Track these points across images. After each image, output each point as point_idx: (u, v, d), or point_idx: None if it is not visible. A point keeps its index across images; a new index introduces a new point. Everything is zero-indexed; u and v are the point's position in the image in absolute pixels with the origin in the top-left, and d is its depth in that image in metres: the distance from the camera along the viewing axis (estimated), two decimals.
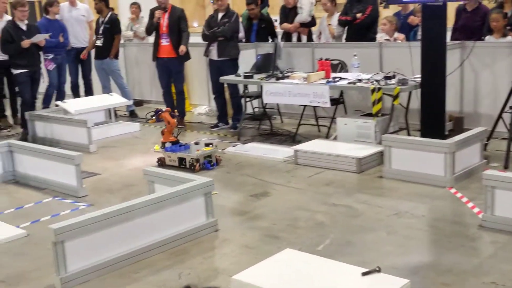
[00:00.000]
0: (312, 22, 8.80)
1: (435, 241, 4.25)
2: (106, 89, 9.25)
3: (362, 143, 6.35)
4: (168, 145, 6.47)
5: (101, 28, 9.04)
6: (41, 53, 8.32)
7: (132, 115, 9.37)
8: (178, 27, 8.36)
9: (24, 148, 6.15)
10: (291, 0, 8.62)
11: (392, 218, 4.65)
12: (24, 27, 7.90)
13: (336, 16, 8.41)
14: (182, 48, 8.26)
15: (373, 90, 6.14)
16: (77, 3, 9.58)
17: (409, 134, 6.47)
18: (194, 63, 9.50)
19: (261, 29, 8.80)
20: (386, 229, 4.43)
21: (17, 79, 8.02)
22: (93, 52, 9.45)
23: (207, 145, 7.15)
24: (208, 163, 6.29)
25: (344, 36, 8.44)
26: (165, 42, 8.36)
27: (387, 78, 6.27)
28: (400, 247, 4.11)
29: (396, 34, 7.80)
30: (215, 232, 4.52)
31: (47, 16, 8.91)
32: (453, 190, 5.19)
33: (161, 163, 6.44)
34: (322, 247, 4.18)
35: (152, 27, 8.47)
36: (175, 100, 8.64)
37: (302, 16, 8.57)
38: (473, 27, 7.41)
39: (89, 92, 9.54)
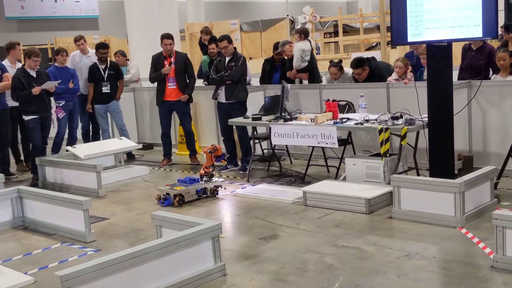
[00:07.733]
0: (310, 67, 8.87)
1: (446, 284, 4.17)
2: (107, 133, 9.52)
3: (371, 184, 6.32)
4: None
5: (106, 75, 9.23)
6: (52, 99, 8.44)
7: (129, 157, 9.54)
8: (184, 71, 8.62)
9: (33, 194, 6.18)
10: (287, 52, 8.90)
11: (402, 260, 4.58)
12: (34, 74, 8.02)
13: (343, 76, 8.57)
14: (184, 99, 8.58)
15: (380, 131, 6.15)
16: (89, 51, 9.76)
17: (418, 174, 6.43)
18: (203, 106, 9.62)
19: (285, 71, 9.04)
20: (396, 272, 4.36)
21: (27, 125, 8.12)
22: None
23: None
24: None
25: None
26: (171, 85, 8.62)
27: (394, 118, 6.27)
28: None
29: (409, 75, 7.73)
30: (223, 277, 4.47)
31: (56, 64, 9.08)
32: (464, 230, 5.12)
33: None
34: None
35: (158, 77, 8.65)
36: (185, 140, 8.96)
37: (294, 63, 8.73)
38: (478, 65, 7.44)
39: (96, 137, 9.71)
